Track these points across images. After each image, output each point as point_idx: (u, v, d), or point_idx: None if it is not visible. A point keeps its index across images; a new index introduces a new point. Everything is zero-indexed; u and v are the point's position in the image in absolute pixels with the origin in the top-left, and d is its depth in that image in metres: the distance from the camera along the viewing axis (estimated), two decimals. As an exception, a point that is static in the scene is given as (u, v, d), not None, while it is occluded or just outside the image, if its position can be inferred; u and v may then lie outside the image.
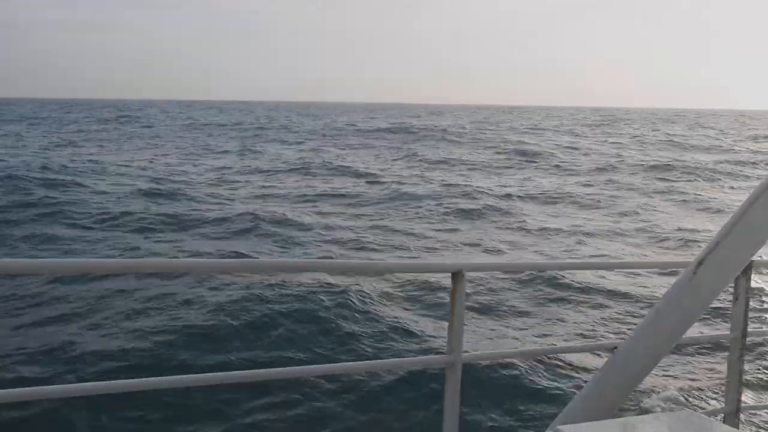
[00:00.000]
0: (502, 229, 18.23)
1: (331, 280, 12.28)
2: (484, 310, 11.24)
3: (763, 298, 12.25)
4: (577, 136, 62.07)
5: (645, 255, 16.01)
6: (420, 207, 21.12)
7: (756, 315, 10.80)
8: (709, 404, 7.67)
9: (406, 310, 11.22)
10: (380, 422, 7.21)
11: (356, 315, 10.73)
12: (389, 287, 12.30)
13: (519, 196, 23.90)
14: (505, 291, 12.33)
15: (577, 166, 35.23)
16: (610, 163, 36.04)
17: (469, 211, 20.33)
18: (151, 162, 32.95)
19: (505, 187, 26.48)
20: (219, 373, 2.27)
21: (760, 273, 13.08)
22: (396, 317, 10.76)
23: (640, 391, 7.71)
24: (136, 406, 7.10)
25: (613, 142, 53.79)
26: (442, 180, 27.85)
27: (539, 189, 26.13)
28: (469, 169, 33.13)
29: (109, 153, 37.66)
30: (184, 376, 2.20)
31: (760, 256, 2.86)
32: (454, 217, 19.71)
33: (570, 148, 46.98)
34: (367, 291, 11.98)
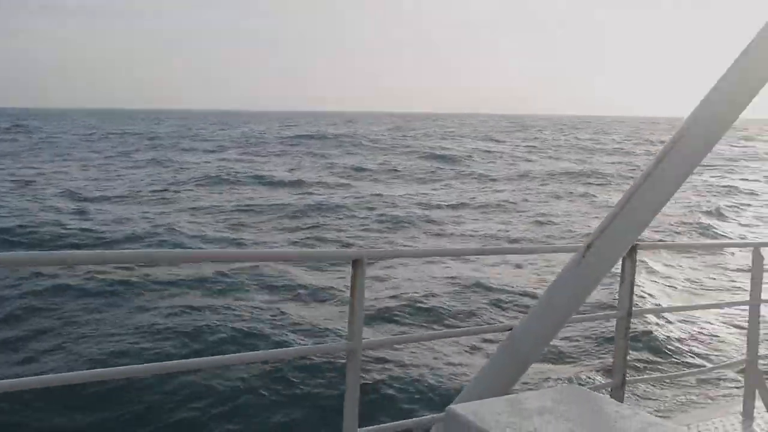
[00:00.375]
0: (427, 235, 18.42)
1: (226, 269, 12.41)
2: (385, 296, 11.63)
3: (648, 280, 13.19)
4: (493, 141, 63.89)
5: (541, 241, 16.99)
6: (342, 216, 21.03)
7: (640, 295, 11.53)
8: (597, 379, 8.10)
9: (310, 298, 11.48)
10: (283, 409, 7.33)
11: (258, 305, 10.88)
12: (292, 276, 12.52)
13: (442, 204, 24.24)
14: (406, 278, 12.76)
15: (494, 171, 36.20)
16: (525, 168, 37.24)
17: (391, 219, 20.44)
18: (60, 175, 31.17)
19: (426, 194, 26.81)
20: (123, 368, 2.19)
21: (645, 256, 14.03)
22: (300, 306, 11.00)
23: (539, 376, 8.11)
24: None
25: (526, 146, 55.72)
26: (364, 188, 27.88)
27: (461, 195, 26.62)
28: (390, 176, 33.36)
29: (6, 167, 35.34)
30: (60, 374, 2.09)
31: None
32: (379, 224, 19.74)
33: (486, 152, 48.29)
34: (268, 280, 12.20)
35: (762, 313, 3.82)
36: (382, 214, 21.05)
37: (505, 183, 31.33)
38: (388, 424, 2.63)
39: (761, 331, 3.84)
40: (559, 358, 8.99)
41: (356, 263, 2.41)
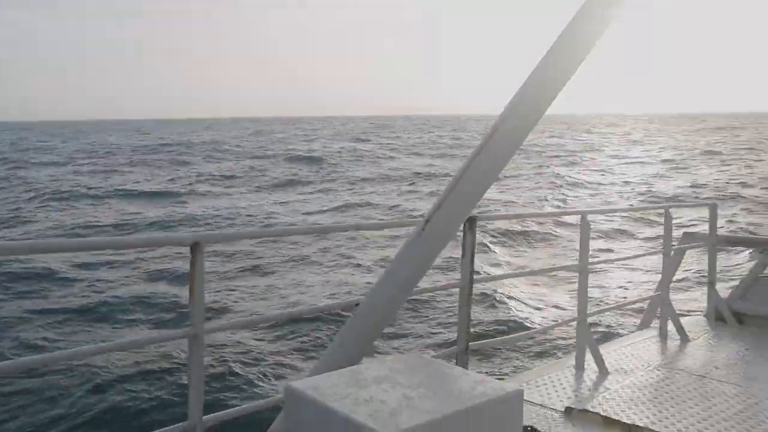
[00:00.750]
0: (309, 238, 18.37)
1: (73, 259, 12.22)
2: (227, 280, 11.70)
3: (491, 253, 14.44)
4: (359, 141, 64.76)
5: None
6: (216, 227, 20.45)
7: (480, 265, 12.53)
8: (442, 347, 8.52)
9: (154, 286, 11.45)
10: (126, 402, 7.15)
11: (97, 295, 10.68)
12: (134, 264, 12.46)
13: (321, 208, 24.24)
14: (248, 260, 12.90)
15: (364, 171, 36.76)
16: (392, 166, 38.15)
17: (269, 226, 20.17)
18: None
19: (300, 199, 26.73)
20: None
21: (485, 230, 15.23)
22: (141, 294, 10.89)
23: (389, 349, 8.50)
24: None
25: (389, 146, 57.07)
26: (234, 196, 27.28)
27: (335, 198, 26.80)
28: (261, 182, 32.82)
29: None
30: None
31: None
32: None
33: (353, 152, 48.92)
34: (109, 269, 12.11)
35: (589, 274, 4.18)
36: (258, 222, 20.71)
37: (376, 183, 31.92)
38: (233, 409, 2.61)
39: (589, 291, 4.21)
40: (407, 329, 9.39)
41: (195, 247, 2.37)
